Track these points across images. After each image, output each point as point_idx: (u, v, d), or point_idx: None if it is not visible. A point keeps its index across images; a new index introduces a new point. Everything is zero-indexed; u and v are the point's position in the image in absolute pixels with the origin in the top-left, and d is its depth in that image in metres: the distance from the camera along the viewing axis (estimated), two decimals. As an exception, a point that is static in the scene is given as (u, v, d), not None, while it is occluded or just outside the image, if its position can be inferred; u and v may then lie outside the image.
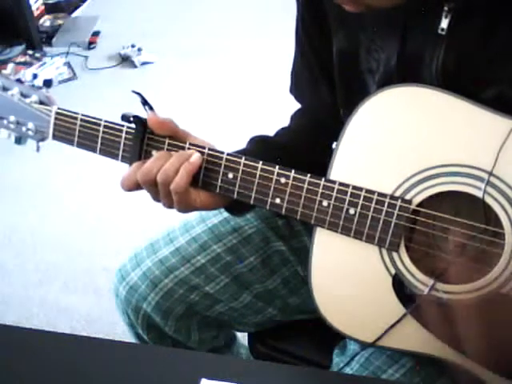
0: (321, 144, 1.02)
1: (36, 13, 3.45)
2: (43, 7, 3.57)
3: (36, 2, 3.46)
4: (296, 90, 1.07)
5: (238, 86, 2.91)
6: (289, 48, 1.06)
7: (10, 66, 3.10)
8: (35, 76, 3.06)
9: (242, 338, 1.26)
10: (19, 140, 1.00)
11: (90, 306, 1.93)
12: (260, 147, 0.98)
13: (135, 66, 3.16)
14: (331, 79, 0.97)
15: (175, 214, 1.03)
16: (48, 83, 3.04)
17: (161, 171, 0.87)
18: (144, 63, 3.16)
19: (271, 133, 1.04)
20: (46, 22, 3.53)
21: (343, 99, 0.95)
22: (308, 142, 1.03)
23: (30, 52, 3.22)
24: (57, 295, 1.98)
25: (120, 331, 1.79)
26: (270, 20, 3.40)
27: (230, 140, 0.97)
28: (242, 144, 0.99)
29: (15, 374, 0.80)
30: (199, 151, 0.89)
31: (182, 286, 1.05)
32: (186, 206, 0.91)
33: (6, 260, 2.11)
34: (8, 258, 2.12)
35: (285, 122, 1.09)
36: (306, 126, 1.06)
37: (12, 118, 0.97)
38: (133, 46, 3.20)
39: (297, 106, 1.10)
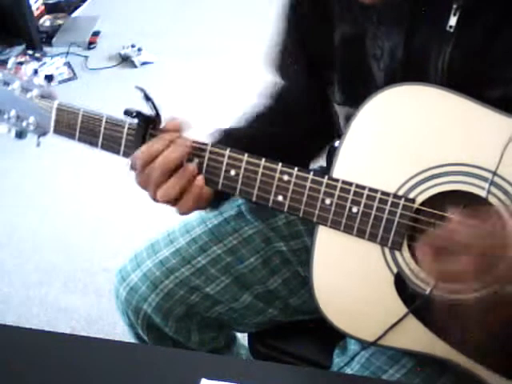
0: (289, 132, 1.02)
1: (36, 13, 3.45)
2: (43, 7, 3.56)
3: (36, 1, 3.46)
4: (275, 66, 1.06)
5: (238, 85, 2.91)
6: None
7: (11, 60, 3.09)
8: (36, 72, 3.06)
9: (242, 338, 1.26)
10: (19, 135, 0.99)
11: (89, 306, 1.93)
12: (227, 140, 0.96)
13: (135, 66, 3.16)
14: (313, 70, 0.97)
15: (175, 215, 1.03)
16: (49, 79, 3.04)
17: (163, 189, 0.87)
18: (144, 63, 3.16)
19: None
20: (45, 21, 3.52)
21: (345, 85, 0.94)
22: (275, 129, 1.03)
23: (30, 52, 3.22)
24: (57, 295, 1.98)
25: (120, 331, 1.79)
26: (271, 20, 3.40)
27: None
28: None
29: (15, 374, 0.80)
30: (201, 148, 0.89)
31: (182, 287, 1.05)
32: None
33: (6, 260, 2.11)
34: (8, 258, 2.12)
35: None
36: (275, 112, 1.05)
37: (12, 113, 0.97)
38: (133, 46, 3.20)
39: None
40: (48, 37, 3.38)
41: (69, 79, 3.09)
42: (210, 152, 0.89)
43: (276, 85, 1.07)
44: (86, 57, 3.26)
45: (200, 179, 0.88)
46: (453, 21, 0.80)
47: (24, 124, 0.97)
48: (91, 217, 2.26)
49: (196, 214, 1.10)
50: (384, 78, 0.87)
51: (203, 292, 1.06)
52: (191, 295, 1.06)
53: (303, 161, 1.02)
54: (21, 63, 3.12)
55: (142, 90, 0.87)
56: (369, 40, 0.89)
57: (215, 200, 0.95)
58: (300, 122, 1.03)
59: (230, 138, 0.97)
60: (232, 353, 1.23)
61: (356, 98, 0.85)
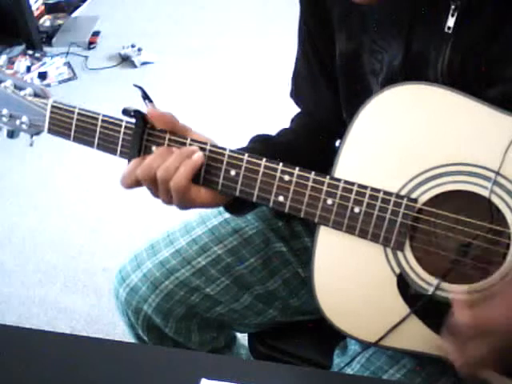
0: (321, 145, 1.02)
1: (36, 13, 3.44)
2: (43, 7, 3.56)
3: (36, 1, 3.46)
4: (296, 92, 1.07)
5: (238, 85, 2.91)
6: (289, 47, 1.06)
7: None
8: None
9: (242, 338, 1.26)
10: (11, 134, 0.97)
11: (90, 306, 1.93)
12: (261, 146, 0.97)
13: (135, 66, 3.15)
14: (332, 81, 0.97)
15: (175, 215, 1.03)
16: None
17: (161, 167, 0.85)
18: (144, 63, 3.16)
19: (271, 132, 1.04)
20: (46, 21, 3.52)
21: (346, 101, 0.95)
22: (308, 142, 1.03)
23: (30, 52, 3.22)
24: (57, 295, 1.98)
25: (120, 331, 1.79)
26: (271, 19, 3.40)
27: (230, 139, 0.96)
28: (242, 143, 0.99)
29: (15, 374, 0.80)
30: (200, 147, 0.88)
31: (182, 288, 1.05)
32: (185, 204, 0.89)
33: (5, 260, 2.11)
34: (8, 258, 2.12)
35: (285, 120, 1.09)
36: (306, 127, 1.06)
37: (5, 111, 0.94)
38: (133, 46, 3.20)
39: (296, 109, 1.09)
40: (48, 37, 3.38)
41: (69, 79, 3.08)
42: (210, 151, 0.88)
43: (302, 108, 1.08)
44: (86, 57, 3.26)
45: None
46: (451, 22, 0.80)
47: (17, 123, 0.94)
48: (91, 217, 2.26)
49: (196, 215, 1.10)
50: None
51: (203, 292, 1.06)
52: (191, 296, 1.06)
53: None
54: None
55: (140, 88, 0.86)
56: (366, 56, 0.88)
57: (236, 205, 0.94)
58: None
59: (268, 145, 0.97)
60: (232, 353, 1.23)
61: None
